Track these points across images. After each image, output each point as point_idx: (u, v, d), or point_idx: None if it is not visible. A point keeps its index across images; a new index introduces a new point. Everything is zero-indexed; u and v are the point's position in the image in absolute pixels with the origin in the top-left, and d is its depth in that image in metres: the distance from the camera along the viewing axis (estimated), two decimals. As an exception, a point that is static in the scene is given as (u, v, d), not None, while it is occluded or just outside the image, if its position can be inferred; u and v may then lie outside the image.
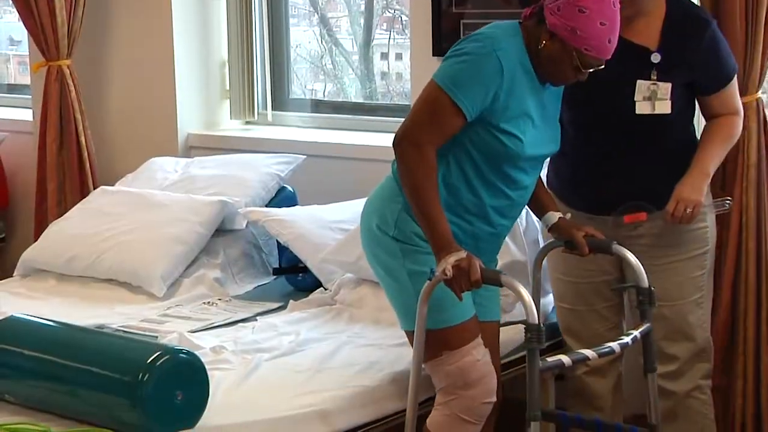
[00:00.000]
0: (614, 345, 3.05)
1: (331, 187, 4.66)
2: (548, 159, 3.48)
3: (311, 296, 4.06)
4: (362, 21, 5.36)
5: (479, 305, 3.20)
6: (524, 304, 2.84)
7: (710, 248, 3.57)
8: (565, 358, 2.94)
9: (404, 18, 5.22)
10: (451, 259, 2.91)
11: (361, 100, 5.31)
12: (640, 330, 3.15)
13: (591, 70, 3.09)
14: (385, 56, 5.42)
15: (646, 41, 3.42)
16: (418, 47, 4.59)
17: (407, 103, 4.75)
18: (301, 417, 3.10)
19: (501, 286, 2.96)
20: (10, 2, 5.45)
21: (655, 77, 3.40)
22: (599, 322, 3.63)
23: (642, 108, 3.40)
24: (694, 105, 3.52)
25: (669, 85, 3.39)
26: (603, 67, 3.09)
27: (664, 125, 3.43)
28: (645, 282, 3.20)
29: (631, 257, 3.22)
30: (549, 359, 2.94)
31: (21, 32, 6.02)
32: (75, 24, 5.24)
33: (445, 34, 4.49)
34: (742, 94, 3.66)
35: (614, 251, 3.26)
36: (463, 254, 2.92)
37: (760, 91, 3.75)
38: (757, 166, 3.76)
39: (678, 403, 3.60)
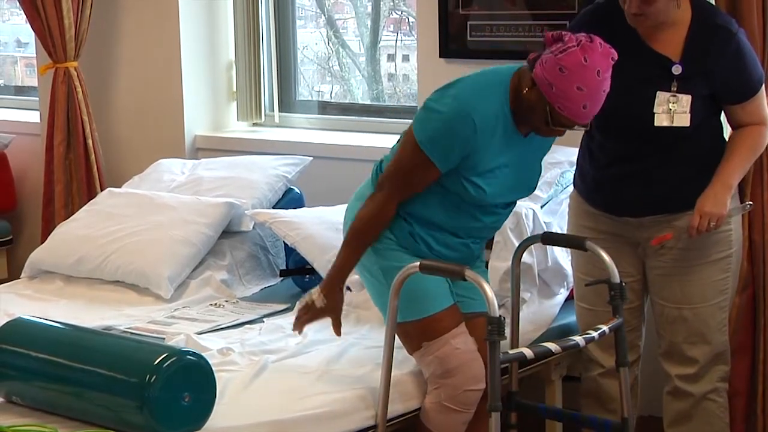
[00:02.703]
0: (579, 339, 3.10)
1: (338, 188, 4.64)
2: (575, 159, 3.60)
3: (318, 298, 4.06)
4: (369, 22, 5.35)
5: (462, 297, 3.30)
6: (486, 297, 2.93)
7: (735, 251, 3.54)
8: (527, 351, 3.00)
9: (411, 19, 5.21)
10: (315, 296, 3.25)
11: (368, 102, 5.32)
12: (609, 325, 3.18)
13: (571, 129, 3.13)
14: (391, 58, 5.41)
15: (669, 52, 3.40)
16: (425, 49, 4.59)
17: (414, 105, 4.75)
18: (308, 419, 3.10)
19: (464, 280, 3.03)
20: (18, 4, 5.46)
21: (675, 89, 3.39)
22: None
23: (660, 120, 3.39)
24: (721, 112, 3.48)
25: (689, 98, 3.37)
26: (583, 127, 3.13)
27: (685, 134, 3.41)
28: (616, 278, 3.24)
29: (603, 254, 3.25)
30: (510, 351, 3.03)
31: (28, 34, 6.02)
32: (82, 26, 5.25)
33: (452, 36, 4.49)
34: None
35: (587, 248, 3.30)
36: (324, 301, 3.23)
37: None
38: None
39: (694, 405, 3.58)
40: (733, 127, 3.49)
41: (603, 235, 3.53)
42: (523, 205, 3.79)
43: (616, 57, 3.08)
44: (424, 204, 3.24)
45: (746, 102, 3.42)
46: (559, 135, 3.19)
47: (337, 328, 3.28)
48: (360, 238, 3.24)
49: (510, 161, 3.20)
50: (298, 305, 3.30)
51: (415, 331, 3.23)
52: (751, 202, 3.57)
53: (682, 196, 3.42)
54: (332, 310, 3.25)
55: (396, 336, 3.22)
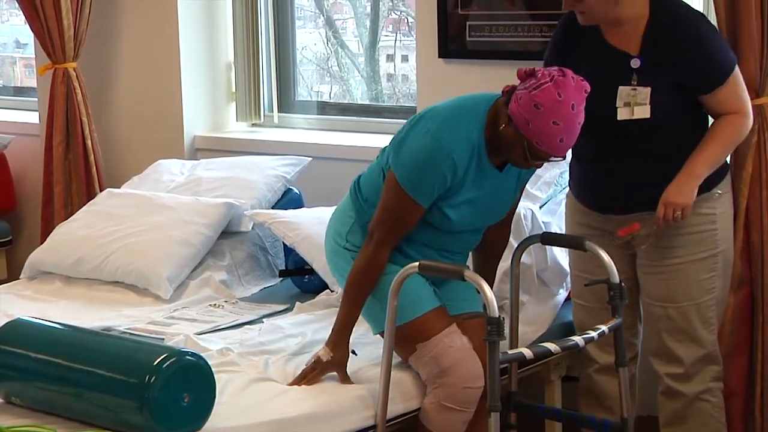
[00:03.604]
0: (578, 339, 3.10)
1: (338, 188, 4.62)
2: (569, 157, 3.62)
3: (317, 298, 4.06)
4: (368, 23, 5.35)
5: (452, 301, 3.35)
6: (485, 298, 2.93)
7: (721, 251, 3.54)
8: (526, 351, 3.01)
9: (410, 20, 5.21)
10: (321, 352, 3.27)
11: (367, 102, 5.32)
12: (609, 325, 3.18)
13: (548, 161, 3.19)
14: (391, 58, 5.41)
15: (628, 47, 3.43)
16: (424, 49, 4.59)
17: (413, 105, 4.75)
18: (307, 419, 3.10)
19: (463, 280, 3.04)
20: (17, 5, 5.45)
21: (635, 82, 3.41)
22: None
23: (622, 114, 3.42)
24: (697, 108, 3.47)
25: (648, 90, 3.39)
26: (560, 158, 3.18)
27: (652, 128, 3.42)
28: (616, 278, 3.25)
29: (603, 254, 3.26)
30: (510, 351, 3.03)
31: (27, 35, 6.03)
32: (81, 26, 5.25)
33: (451, 36, 4.49)
34: (759, 95, 3.63)
35: (587, 248, 3.30)
36: (330, 354, 3.25)
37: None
38: None
39: (687, 406, 3.59)
40: (713, 118, 3.49)
41: (595, 231, 3.56)
42: (521, 205, 3.80)
43: (588, 89, 3.13)
44: None
45: (714, 91, 3.41)
46: (538, 167, 3.27)
47: (343, 381, 3.29)
48: (358, 291, 3.30)
49: (480, 194, 3.28)
50: (307, 364, 3.31)
51: (406, 336, 3.24)
52: (719, 192, 3.52)
53: (661, 192, 3.42)
54: (339, 364, 3.28)
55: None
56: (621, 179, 3.49)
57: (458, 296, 3.40)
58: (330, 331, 3.33)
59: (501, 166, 3.28)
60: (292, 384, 3.26)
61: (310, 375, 3.26)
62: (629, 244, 3.52)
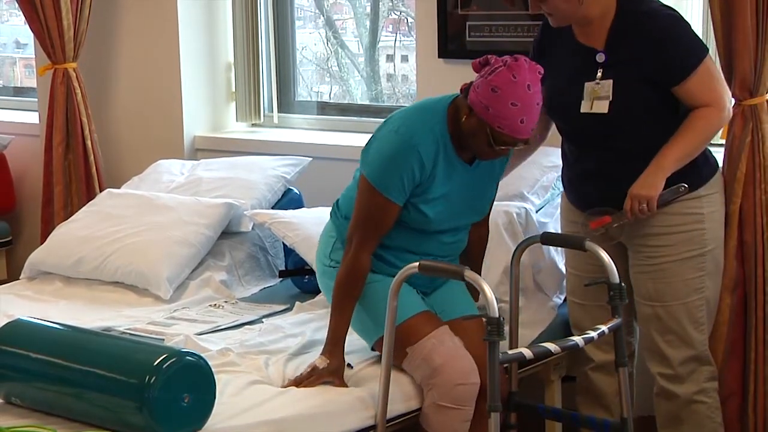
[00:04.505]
0: (578, 339, 3.11)
1: (337, 189, 4.62)
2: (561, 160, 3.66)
3: (317, 298, 4.05)
4: (368, 23, 5.35)
5: (443, 308, 3.39)
6: (485, 298, 2.93)
7: (710, 250, 3.54)
8: (526, 351, 3.01)
9: (410, 20, 5.21)
10: (317, 361, 3.26)
11: (366, 102, 5.31)
12: (609, 325, 3.19)
13: (514, 147, 3.22)
14: (390, 58, 5.41)
15: (595, 43, 3.46)
16: (424, 49, 4.59)
17: (413, 105, 4.74)
18: (306, 419, 3.10)
19: (464, 280, 3.05)
20: (17, 5, 5.45)
21: (600, 77, 3.42)
22: (607, 317, 3.62)
23: (584, 107, 3.45)
24: (672, 103, 3.45)
25: (610, 83, 3.40)
26: (522, 145, 3.23)
27: (624, 124, 3.43)
28: (616, 278, 3.25)
29: (603, 254, 3.26)
30: (510, 352, 3.03)
31: (27, 35, 6.03)
32: (81, 27, 5.25)
33: (450, 36, 4.49)
34: (753, 94, 3.63)
35: (587, 248, 3.30)
36: (326, 362, 3.24)
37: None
38: None
39: (682, 408, 3.59)
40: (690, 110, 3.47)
41: (586, 228, 3.57)
42: (514, 205, 3.81)
43: (542, 71, 3.19)
44: None
45: (682, 83, 3.40)
46: (504, 155, 3.28)
47: (340, 385, 3.29)
48: (345, 298, 3.32)
49: (453, 189, 3.31)
50: (303, 372, 3.31)
51: (396, 341, 3.23)
52: (685, 185, 3.49)
53: None
54: (334, 372, 3.28)
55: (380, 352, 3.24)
56: (599, 178, 3.51)
57: (450, 302, 3.43)
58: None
59: (471, 161, 3.33)
60: (287, 386, 3.26)
61: (306, 381, 3.26)
62: (607, 236, 3.50)
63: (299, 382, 3.26)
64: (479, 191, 3.40)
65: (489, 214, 3.52)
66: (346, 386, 3.28)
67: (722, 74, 3.52)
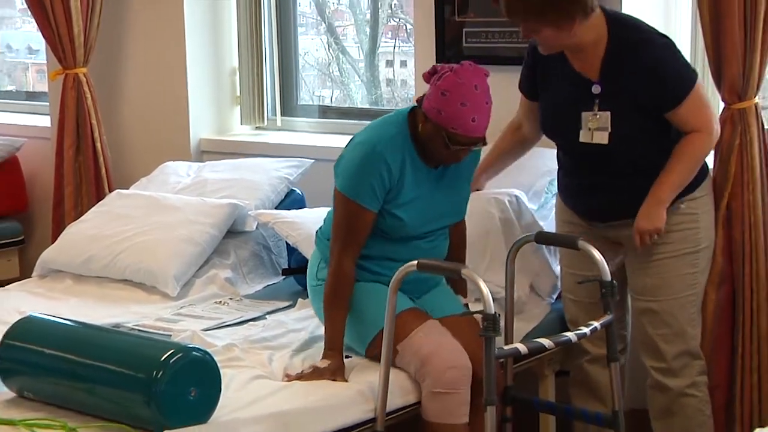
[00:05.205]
0: (571, 335, 3.11)
1: (339, 189, 4.65)
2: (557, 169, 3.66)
3: (319, 295, 4.05)
4: (368, 29, 5.35)
5: (436, 306, 3.42)
6: (482, 294, 2.93)
7: (703, 248, 3.55)
8: (521, 346, 3.02)
9: (408, 26, 5.21)
10: (319, 362, 3.27)
11: (367, 106, 5.31)
12: (601, 321, 3.19)
13: (472, 147, 3.27)
14: (390, 63, 5.41)
15: (590, 72, 3.44)
16: (422, 54, 4.58)
17: (412, 109, 4.74)
18: (308, 412, 3.09)
19: (460, 278, 3.05)
20: (29, 13, 5.45)
21: (597, 108, 3.41)
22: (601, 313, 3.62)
23: (584, 137, 3.45)
24: (666, 124, 3.44)
25: (608, 115, 3.39)
26: (481, 145, 3.28)
27: (621, 149, 3.43)
28: (608, 276, 3.25)
29: (595, 253, 3.26)
30: (505, 347, 3.04)
31: (39, 42, 6.02)
32: (91, 33, 5.24)
33: (448, 42, 4.48)
34: (742, 98, 3.62)
35: (580, 247, 3.30)
36: (327, 362, 3.25)
37: (757, 97, 3.67)
38: (760, 167, 3.69)
39: (674, 400, 3.59)
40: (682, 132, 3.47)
41: (581, 228, 3.60)
42: (505, 191, 3.79)
43: (488, 73, 3.26)
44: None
45: (673, 110, 3.39)
46: (464, 155, 3.31)
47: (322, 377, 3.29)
48: (335, 304, 3.34)
49: (423, 194, 3.35)
50: (303, 370, 3.31)
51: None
52: (622, 255, 3.56)
53: (638, 202, 3.45)
54: (336, 371, 3.28)
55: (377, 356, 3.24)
56: (600, 193, 3.52)
57: (439, 304, 3.44)
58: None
59: (436, 166, 3.37)
60: (290, 380, 3.26)
61: (308, 377, 3.26)
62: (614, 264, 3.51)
63: (299, 378, 3.26)
64: (450, 194, 3.43)
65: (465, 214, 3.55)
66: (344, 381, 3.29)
67: (710, 99, 3.52)
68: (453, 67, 3.24)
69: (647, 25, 3.49)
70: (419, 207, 3.35)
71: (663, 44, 3.41)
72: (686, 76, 3.41)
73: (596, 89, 3.42)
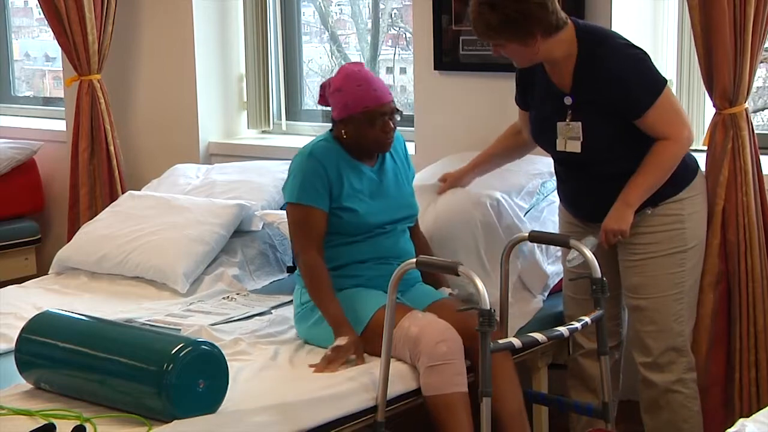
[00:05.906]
0: (563, 329, 3.13)
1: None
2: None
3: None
4: (369, 38, 5.36)
5: (419, 298, 3.49)
6: (477, 291, 2.93)
7: (691, 248, 3.55)
8: (515, 340, 3.03)
9: (408, 35, 5.22)
10: (337, 341, 3.30)
11: (368, 111, 5.31)
12: (591, 316, 3.21)
13: (394, 118, 3.44)
14: (390, 70, 5.42)
15: (563, 84, 3.45)
16: (421, 62, 4.59)
17: (411, 114, 4.76)
18: (312, 401, 3.10)
19: (457, 275, 3.05)
20: (46, 22, 5.47)
21: (569, 118, 3.43)
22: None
23: (560, 145, 3.48)
24: (637, 130, 3.42)
25: (579, 125, 3.41)
26: (398, 115, 3.46)
27: (599, 156, 3.45)
28: (598, 273, 3.28)
29: (585, 251, 3.30)
30: (500, 341, 3.03)
31: (56, 49, 6.04)
32: (105, 42, 5.26)
33: (445, 50, 4.49)
34: (733, 104, 3.62)
35: (572, 245, 3.33)
36: (344, 340, 3.29)
37: (747, 102, 3.67)
38: (752, 169, 3.68)
39: (661, 395, 3.59)
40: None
41: (581, 228, 3.60)
42: (487, 194, 3.77)
43: (363, 65, 3.53)
44: (328, 258, 3.45)
45: (640, 118, 3.38)
46: (391, 129, 3.44)
47: (360, 358, 3.34)
48: (321, 293, 3.40)
49: (368, 185, 3.48)
50: (327, 351, 3.33)
51: (376, 333, 3.26)
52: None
53: None
54: (354, 344, 3.32)
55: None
56: (586, 196, 3.55)
57: (421, 296, 3.50)
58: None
59: (374, 158, 3.52)
60: (316, 371, 3.28)
61: (334, 360, 3.28)
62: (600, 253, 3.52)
63: (330, 362, 3.28)
64: (395, 182, 3.54)
65: (418, 219, 3.65)
66: (364, 360, 3.31)
67: (681, 104, 3.53)
68: (333, 74, 3.50)
69: (620, 36, 3.48)
70: (369, 195, 3.46)
71: (628, 55, 3.39)
72: (652, 84, 3.38)
73: (568, 100, 3.43)
